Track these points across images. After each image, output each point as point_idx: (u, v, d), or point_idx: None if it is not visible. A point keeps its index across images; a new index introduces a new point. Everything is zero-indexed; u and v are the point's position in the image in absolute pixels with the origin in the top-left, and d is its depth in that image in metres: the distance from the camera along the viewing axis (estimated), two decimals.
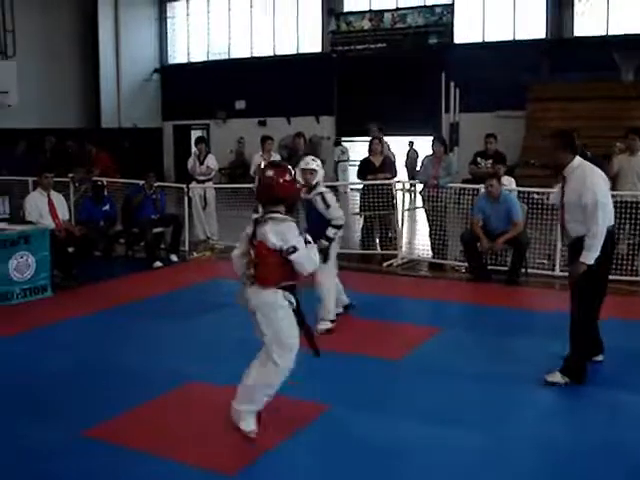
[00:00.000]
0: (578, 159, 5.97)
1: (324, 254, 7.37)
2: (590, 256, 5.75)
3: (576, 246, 5.92)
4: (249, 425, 4.95)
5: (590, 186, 5.75)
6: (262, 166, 12.62)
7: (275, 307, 4.86)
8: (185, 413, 5.51)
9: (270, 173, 4.90)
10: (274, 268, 4.81)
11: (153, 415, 5.50)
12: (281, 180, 4.86)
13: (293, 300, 4.91)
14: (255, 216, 4.97)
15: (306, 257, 4.85)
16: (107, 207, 11.94)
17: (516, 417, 5.46)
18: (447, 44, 22.52)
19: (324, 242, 7.39)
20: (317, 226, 7.41)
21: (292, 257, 4.78)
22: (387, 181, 11.50)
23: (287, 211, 4.92)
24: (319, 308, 7.59)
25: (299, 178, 7.54)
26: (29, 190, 12.16)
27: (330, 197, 7.62)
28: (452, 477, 4.52)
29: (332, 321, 7.66)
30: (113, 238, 12.05)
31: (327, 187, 7.93)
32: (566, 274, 6.73)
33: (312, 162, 7.70)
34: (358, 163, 12.34)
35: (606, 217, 5.78)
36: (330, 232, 7.51)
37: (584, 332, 6.00)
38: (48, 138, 18.86)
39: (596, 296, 6.00)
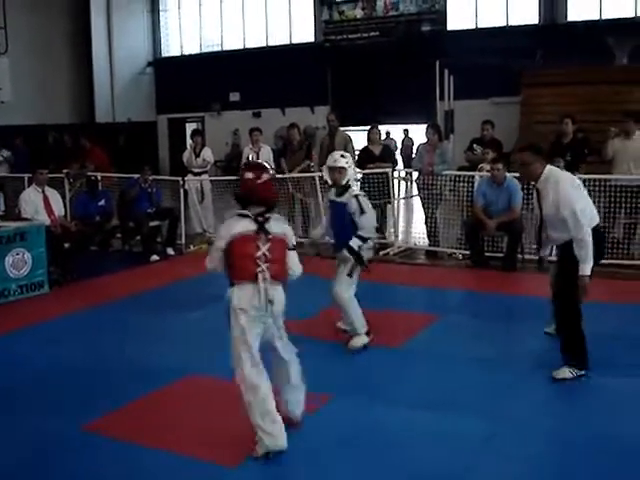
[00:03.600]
0: (548, 168, 5.87)
1: (361, 263, 6.74)
2: (588, 267, 5.64)
3: (563, 248, 5.87)
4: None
5: (564, 197, 5.65)
6: (250, 159, 12.48)
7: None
8: (185, 406, 5.51)
9: (249, 175, 4.74)
10: (286, 265, 4.78)
11: (153, 408, 5.51)
12: (259, 181, 4.70)
13: None
14: (251, 213, 4.67)
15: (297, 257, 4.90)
16: (103, 202, 11.93)
17: (515, 402, 5.49)
18: (440, 31, 22.42)
19: (346, 254, 6.65)
20: (345, 232, 6.69)
21: (294, 254, 4.83)
22: (384, 170, 11.48)
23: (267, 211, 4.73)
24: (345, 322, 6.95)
25: (326, 177, 6.82)
26: (24, 186, 12.13)
27: (365, 202, 6.68)
28: (453, 463, 4.53)
29: (367, 333, 6.84)
30: (109, 233, 12.03)
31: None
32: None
33: (341, 159, 6.69)
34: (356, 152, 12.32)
35: (587, 221, 5.68)
36: (354, 243, 6.60)
37: (577, 322, 5.89)
38: (50, 133, 18.89)
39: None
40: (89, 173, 13.12)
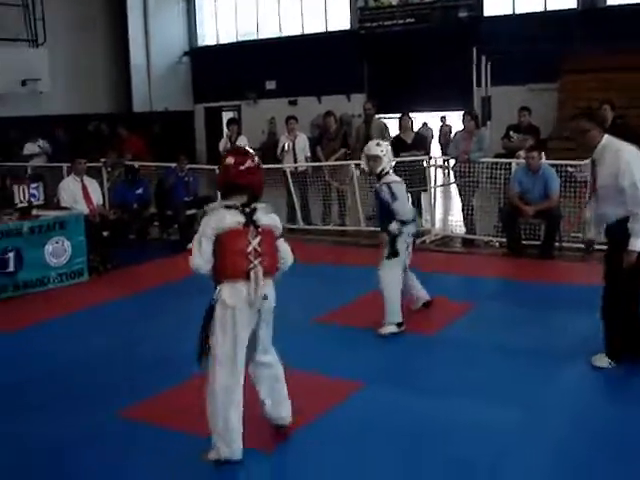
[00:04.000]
0: (606, 137, 5.61)
1: (392, 249, 6.78)
2: (639, 242, 5.42)
3: (615, 228, 5.60)
4: None
5: (625, 166, 5.38)
6: (286, 148, 12.43)
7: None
8: None
9: (230, 161, 4.39)
10: (276, 257, 4.49)
11: (189, 395, 5.53)
12: (241, 167, 4.35)
13: None
14: (232, 204, 4.35)
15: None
16: (140, 190, 12.02)
17: (552, 392, 5.45)
18: (477, 17, 22.20)
19: (384, 235, 6.86)
20: (384, 218, 6.90)
21: (284, 243, 4.57)
22: (418, 158, 11.44)
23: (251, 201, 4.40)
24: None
25: (363, 165, 7.10)
26: (63, 176, 12.27)
27: (398, 188, 6.79)
28: (487, 449, 4.53)
29: (399, 324, 6.83)
30: (147, 221, 12.14)
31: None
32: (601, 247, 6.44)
33: (375, 147, 6.85)
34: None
35: None
36: (393, 226, 6.71)
37: (619, 312, 5.72)
38: (91, 122, 19.10)
39: (634, 278, 5.62)
40: (127, 162, 13.26)
